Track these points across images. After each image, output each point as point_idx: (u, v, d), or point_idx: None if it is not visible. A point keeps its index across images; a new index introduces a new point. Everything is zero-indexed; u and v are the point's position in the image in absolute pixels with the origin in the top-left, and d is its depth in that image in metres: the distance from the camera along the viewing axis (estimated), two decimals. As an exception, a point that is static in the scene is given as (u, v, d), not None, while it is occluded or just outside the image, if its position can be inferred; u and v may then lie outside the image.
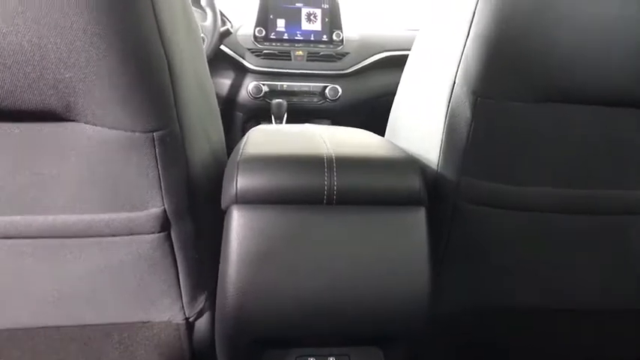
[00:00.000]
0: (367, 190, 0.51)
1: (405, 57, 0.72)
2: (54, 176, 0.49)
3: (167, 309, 0.60)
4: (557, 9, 0.45)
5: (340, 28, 1.49)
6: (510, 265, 0.61)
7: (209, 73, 0.66)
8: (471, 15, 0.48)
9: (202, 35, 1.31)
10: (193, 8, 1.36)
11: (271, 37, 1.47)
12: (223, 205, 0.52)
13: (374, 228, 0.51)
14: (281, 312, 0.50)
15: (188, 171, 0.53)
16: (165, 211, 0.52)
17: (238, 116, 1.51)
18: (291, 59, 1.46)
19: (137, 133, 0.46)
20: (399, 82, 0.74)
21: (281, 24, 1.47)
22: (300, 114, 1.50)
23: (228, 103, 1.49)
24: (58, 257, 0.53)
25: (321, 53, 1.47)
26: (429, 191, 0.54)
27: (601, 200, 0.57)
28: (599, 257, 0.61)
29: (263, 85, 1.45)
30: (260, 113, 1.50)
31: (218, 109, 0.70)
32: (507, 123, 0.52)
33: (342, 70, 1.48)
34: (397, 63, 1.48)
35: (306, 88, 1.48)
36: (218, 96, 1.46)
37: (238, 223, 0.49)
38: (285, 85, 1.47)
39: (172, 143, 0.49)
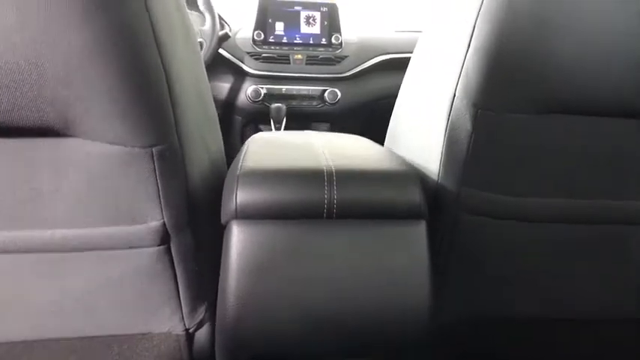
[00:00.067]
0: (367, 204, 0.51)
1: (405, 59, 0.72)
2: (53, 191, 0.48)
3: (167, 320, 0.60)
4: (557, 21, 0.45)
5: (339, 31, 1.48)
6: (510, 276, 0.61)
7: (207, 80, 0.66)
8: (471, 28, 0.47)
9: (201, 39, 1.30)
10: (192, 12, 1.36)
11: (270, 40, 1.46)
12: (223, 220, 0.52)
13: (374, 242, 0.51)
14: (282, 326, 0.50)
15: (187, 184, 0.52)
16: (164, 224, 0.52)
17: (237, 120, 1.51)
18: (290, 63, 1.45)
19: (136, 149, 0.46)
20: (398, 85, 0.74)
21: (280, 27, 1.47)
22: (299, 117, 1.50)
23: (227, 107, 1.48)
24: (58, 271, 0.53)
25: (320, 57, 1.46)
26: (429, 202, 0.54)
27: (601, 210, 0.57)
28: (599, 267, 0.61)
29: (262, 88, 1.44)
30: (259, 117, 1.49)
31: (217, 116, 0.70)
32: (508, 135, 0.52)
33: (341, 73, 1.48)
34: (396, 66, 1.48)
35: (305, 92, 1.47)
36: (217, 100, 1.45)
37: (238, 239, 0.49)
38: (284, 88, 1.46)
39: (171, 157, 0.49)
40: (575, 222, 0.57)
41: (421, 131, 0.61)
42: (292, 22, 1.47)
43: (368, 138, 0.76)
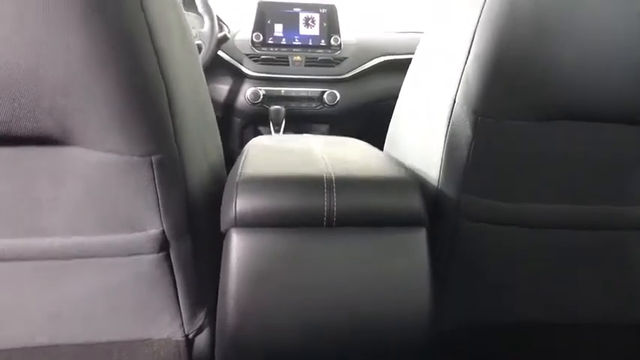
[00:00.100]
0: (367, 212, 0.51)
1: (404, 61, 0.72)
2: (51, 199, 0.48)
3: (167, 326, 0.59)
4: (558, 28, 0.45)
5: (338, 33, 1.48)
6: (511, 282, 0.61)
7: (205, 82, 0.66)
8: (471, 35, 0.47)
9: (200, 42, 1.30)
10: (190, 13, 1.35)
11: (269, 42, 1.46)
12: (222, 228, 0.52)
13: (374, 250, 0.51)
14: (282, 334, 0.50)
15: (187, 192, 0.52)
16: (163, 232, 0.52)
17: (236, 122, 1.51)
18: (289, 64, 1.45)
19: (135, 157, 0.46)
20: (397, 87, 0.73)
21: (279, 29, 1.46)
22: (298, 119, 1.50)
23: (225, 109, 1.48)
24: (57, 278, 0.53)
25: (319, 58, 1.46)
26: (429, 209, 0.54)
27: (602, 216, 0.57)
28: (601, 273, 0.61)
29: (261, 90, 1.44)
30: (258, 119, 1.49)
31: (215, 119, 0.69)
32: (508, 141, 0.52)
33: (341, 74, 1.48)
34: (396, 67, 1.48)
35: (304, 94, 1.47)
36: (216, 102, 1.45)
37: (238, 247, 0.49)
38: (283, 90, 1.46)
39: (170, 166, 0.48)
40: (577, 228, 0.57)
41: (421, 137, 0.61)
42: (291, 24, 1.47)
43: (367, 140, 0.76)
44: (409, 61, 0.69)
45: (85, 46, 0.39)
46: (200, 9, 1.32)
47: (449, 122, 0.52)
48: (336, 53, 1.47)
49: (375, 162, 0.61)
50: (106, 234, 0.51)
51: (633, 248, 0.60)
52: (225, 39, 1.37)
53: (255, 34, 1.44)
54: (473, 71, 0.48)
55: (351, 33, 1.54)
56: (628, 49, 0.47)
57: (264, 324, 0.50)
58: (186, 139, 0.51)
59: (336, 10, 1.48)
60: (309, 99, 1.48)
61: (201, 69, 0.65)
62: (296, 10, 1.47)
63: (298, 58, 1.45)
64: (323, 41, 1.48)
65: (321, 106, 1.49)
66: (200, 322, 0.61)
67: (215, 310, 0.52)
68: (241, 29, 1.50)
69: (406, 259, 0.51)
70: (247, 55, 1.45)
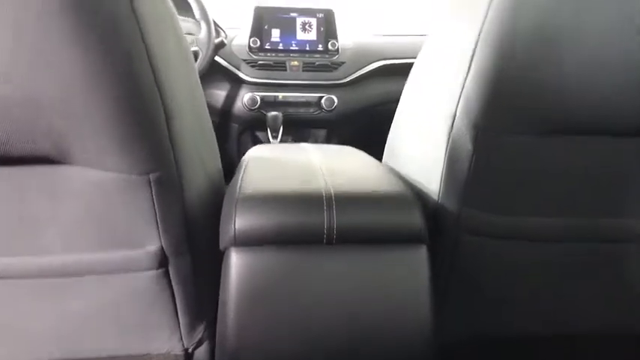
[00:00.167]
0: (367, 229, 0.51)
1: (402, 65, 0.71)
2: (49, 218, 0.48)
3: (166, 341, 0.59)
4: (558, 44, 0.45)
5: (336, 37, 1.47)
6: (511, 295, 0.61)
7: (202, 89, 0.65)
8: (472, 51, 0.47)
9: (197, 49, 1.29)
10: (187, 19, 1.35)
11: (266, 47, 1.45)
12: (222, 246, 0.51)
13: (375, 267, 0.51)
14: (282, 352, 0.50)
15: (185, 208, 0.52)
16: (162, 248, 0.52)
17: (234, 128, 1.50)
18: (286, 70, 1.45)
19: (133, 176, 0.46)
20: (396, 91, 0.73)
21: (276, 34, 1.46)
22: (296, 124, 1.49)
23: (223, 115, 1.48)
24: (57, 296, 0.53)
25: (317, 63, 1.46)
26: (429, 223, 0.54)
27: (602, 229, 0.57)
28: (601, 285, 0.61)
29: (258, 96, 1.44)
30: (255, 124, 1.48)
31: (212, 128, 0.69)
32: (509, 155, 0.52)
33: (338, 79, 1.47)
34: (394, 71, 1.47)
35: (301, 99, 1.46)
36: (213, 108, 1.44)
37: (237, 265, 0.49)
38: (280, 95, 1.45)
39: (169, 183, 0.48)
40: (577, 241, 0.57)
41: (421, 149, 0.61)
42: (288, 29, 1.46)
43: (365, 145, 0.75)
44: (407, 65, 0.68)
45: (79, 60, 0.38)
46: (197, 15, 1.31)
47: (449, 136, 0.52)
48: (334, 58, 1.47)
49: (375, 176, 0.60)
50: (104, 251, 0.51)
51: (633, 261, 0.60)
52: (222, 45, 1.36)
53: (252, 39, 1.44)
54: (473, 86, 0.48)
55: (349, 37, 1.53)
56: (628, 62, 0.47)
57: (265, 341, 0.49)
58: (184, 154, 0.50)
59: (333, 14, 1.48)
60: (307, 104, 1.47)
61: (197, 76, 0.65)
62: (293, 15, 1.46)
63: (296, 63, 1.45)
64: (320, 46, 1.47)
65: (318, 111, 1.48)
66: (199, 336, 0.61)
67: (214, 323, 0.52)
68: (238, 34, 1.49)
69: (406, 277, 0.51)
70: (244, 60, 1.44)
